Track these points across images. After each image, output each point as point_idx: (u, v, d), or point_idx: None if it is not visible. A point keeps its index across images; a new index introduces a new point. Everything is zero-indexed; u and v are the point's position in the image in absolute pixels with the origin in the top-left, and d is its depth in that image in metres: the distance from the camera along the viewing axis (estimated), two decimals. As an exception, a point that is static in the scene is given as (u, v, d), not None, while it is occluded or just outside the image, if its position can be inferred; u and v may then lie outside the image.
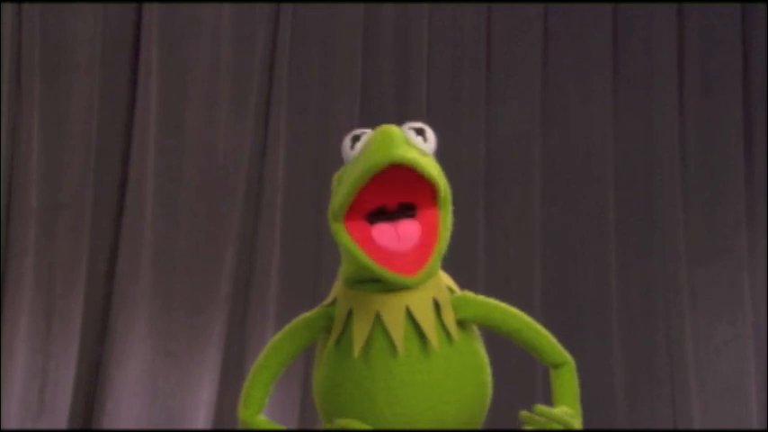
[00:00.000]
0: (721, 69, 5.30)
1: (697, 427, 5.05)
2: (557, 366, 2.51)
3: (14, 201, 4.54)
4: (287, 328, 2.56)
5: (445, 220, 2.33)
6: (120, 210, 4.68)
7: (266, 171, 4.84)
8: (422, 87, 5.02)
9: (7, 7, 4.53)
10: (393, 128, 2.35)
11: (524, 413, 2.36)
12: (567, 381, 2.50)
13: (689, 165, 5.26)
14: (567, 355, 2.52)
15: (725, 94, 5.29)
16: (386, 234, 2.30)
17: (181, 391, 4.63)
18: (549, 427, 2.35)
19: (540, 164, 5.12)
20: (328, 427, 2.40)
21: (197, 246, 4.73)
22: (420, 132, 2.38)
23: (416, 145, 2.35)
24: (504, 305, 2.53)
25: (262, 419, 2.55)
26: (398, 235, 2.30)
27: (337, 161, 5.29)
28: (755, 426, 5.06)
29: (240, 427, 2.54)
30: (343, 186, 2.33)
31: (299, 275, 4.81)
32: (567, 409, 2.43)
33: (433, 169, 2.29)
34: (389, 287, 2.35)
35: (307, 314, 2.56)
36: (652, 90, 5.26)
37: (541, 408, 2.36)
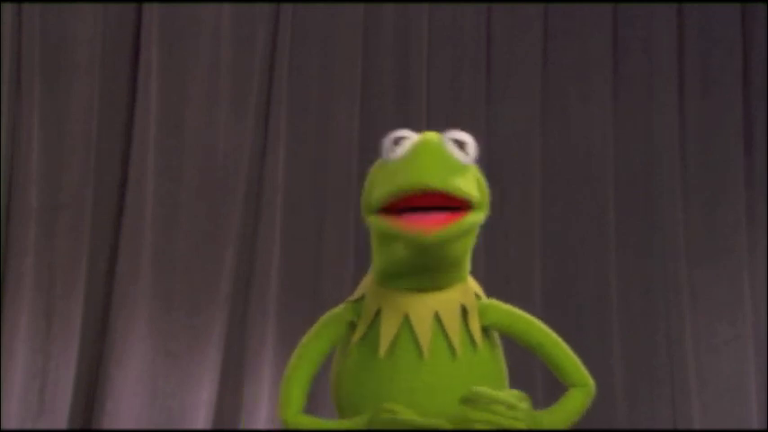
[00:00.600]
0: (721, 69, 5.30)
1: (697, 427, 5.05)
2: (575, 387, 2.52)
3: (14, 201, 4.54)
4: (316, 326, 2.57)
5: (476, 214, 2.35)
6: (120, 210, 4.68)
7: (266, 171, 4.84)
8: (422, 87, 5.02)
9: (7, 7, 4.53)
10: (432, 143, 2.36)
11: (465, 395, 2.35)
12: (575, 398, 2.51)
13: (689, 165, 5.26)
14: (588, 378, 2.54)
15: (725, 94, 5.29)
16: (413, 215, 2.29)
17: (181, 391, 4.63)
18: (492, 411, 2.33)
19: (540, 164, 5.12)
20: (383, 416, 2.38)
21: (197, 246, 4.73)
22: (461, 146, 2.40)
23: (457, 159, 2.36)
24: (530, 317, 2.55)
25: (305, 418, 2.53)
26: (424, 217, 2.29)
27: (337, 161, 5.30)
28: (755, 426, 5.06)
29: (284, 428, 2.54)
30: (379, 191, 2.33)
31: (299, 275, 4.81)
32: (516, 392, 2.42)
33: (464, 186, 2.30)
34: (423, 283, 2.37)
35: (334, 310, 2.57)
36: (652, 90, 5.26)
37: (482, 390, 2.36)
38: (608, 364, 4.99)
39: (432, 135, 2.40)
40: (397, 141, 2.39)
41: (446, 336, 2.41)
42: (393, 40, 5.04)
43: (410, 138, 2.39)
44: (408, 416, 2.35)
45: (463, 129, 5.39)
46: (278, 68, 4.88)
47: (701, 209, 5.24)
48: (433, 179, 2.26)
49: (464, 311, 2.45)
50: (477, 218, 2.37)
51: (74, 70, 4.64)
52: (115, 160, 4.72)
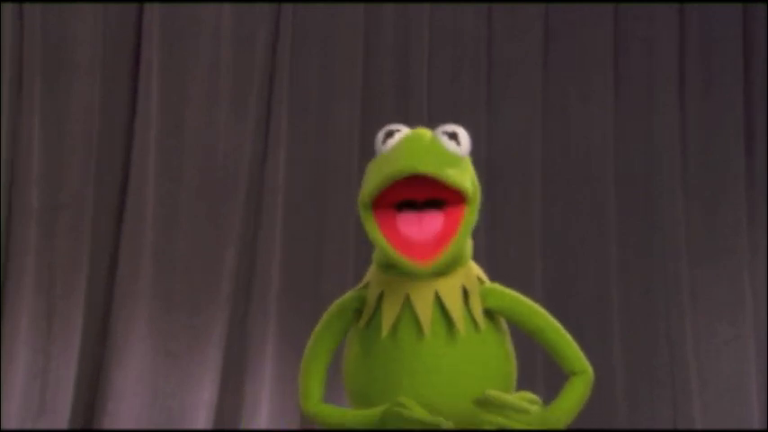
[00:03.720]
0: (722, 69, 5.30)
1: (698, 427, 5.05)
2: (574, 374, 2.54)
3: (15, 201, 4.54)
4: (325, 316, 2.62)
5: (470, 215, 2.42)
6: (121, 210, 4.68)
7: (267, 171, 4.84)
8: (422, 87, 5.02)
9: (8, 7, 4.53)
10: (423, 134, 2.43)
11: (478, 398, 2.38)
12: (576, 388, 2.52)
13: (689, 165, 5.27)
14: (586, 365, 2.55)
15: (725, 94, 5.29)
16: (409, 222, 2.37)
17: (181, 392, 4.63)
18: (503, 414, 2.36)
19: (541, 164, 5.12)
20: (395, 410, 2.40)
21: (197, 246, 4.73)
22: (453, 136, 2.43)
23: (448, 150, 2.40)
24: (531, 302, 2.59)
25: (326, 407, 2.57)
26: (421, 224, 2.37)
27: (337, 161, 5.30)
28: (756, 426, 5.06)
29: (307, 418, 2.58)
30: (370, 183, 2.39)
31: (300, 275, 4.81)
32: (528, 395, 2.44)
33: (457, 176, 2.36)
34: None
35: (339, 300, 2.61)
36: (652, 90, 5.26)
37: (494, 394, 2.38)
38: (608, 364, 4.99)
39: (423, 129, 2.46)
40: (390, 134, 2.44)
41: (447, 316, 2.44)
42: (393, 40, 5.04)
43: (402, 131, 2.44)
44: (418, 412, 2.36)
45: (464, 129, 5.38)
46: (278, 69, 4.88)
47: (702, 209, 5.24)
48: (424, 165, 2.31)
49: (465, 293, 2.48)
50: (470, 219, 2.43)
51: (74, 70, 4.64)
52: (116, 160, 4.72)
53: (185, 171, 4.76)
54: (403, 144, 2.39)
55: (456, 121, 5.38)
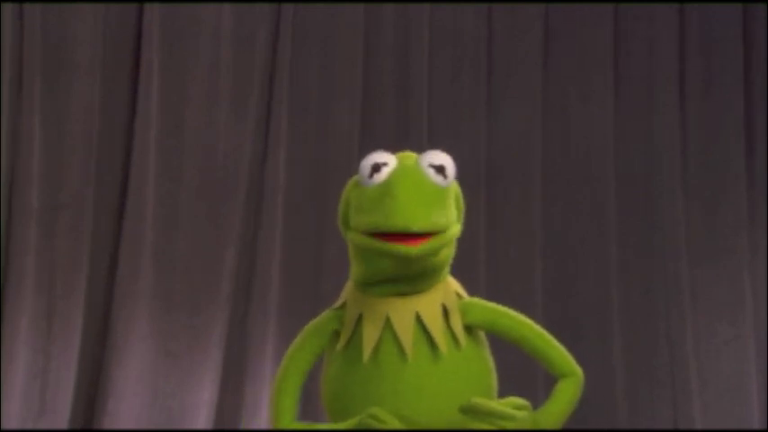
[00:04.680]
0: (722, 69, 5.30)
1: (698, 427, 5.05)
2: (563, 377, 2.51)
3: (15, 201, 4.54)
4: (300, 336, 2.60)
5: (456, 225, 2.42)
6: (121, 210, 4.68)
7: (267, 171, 4.84)
8: (422, 87, 5.02)
9: (8, 7, 4.53)
10: (412, 173, 2.36)
11: (464, 405, 2.37)
12: (566, 390, 2.49)
13: (689, 165, 5.26)
14: (575, 367, 2.52)
15: (725, 94, 5.28)
16: (395, 236, 2.33)
17: (181, 392, 4.63)
18: (490, 422, 2.36)
19: (541, 164, 5.12)
20: (358, 419, 2.40)
21: (197, 246, 4.73)
22: (440, 170, 2.38)
23: (435, 187, 2.36)
24: (512, 312, 2.55)
25: (299, 425, 2.54)
26: (407, 237, 2.32)
27: (337, 161, 5.28)
28: (756, 426, 5.06)
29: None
30: (361, 218, 2.37)
31: (300, 275, 4.81)
32: (516, 400, 2.44)
33: (443, 219, 2.35)
34: (401, 285, 2.40)
35: (316, 320, 2.59)
36: (653, 90, 5.26)
37: (480, 402, 2.38)
38: (609, 364, 4.99)
39: (409, 161, 2.40)
40: (376, 168, 2.38)
41: (428, 335, 2.42)
42: (393, 40, 5.04)
43: (388, 164, 2.38)
44: (391, 422, 2.35)
45: (463, 129, 5.40)
46: (278, 68, 4.88)
47: (702, 209, 5.24)
48: (416, 220, 2.29)
49: (445, 311, 2.45)
50: (456, 230, 2.42)
51: (74, 70, 4.64)
52: (116, 160, 4.72)
53: (185, 171, 4.76)
54: (392, 187, 2.33)
55: (456, 121, 5.40)
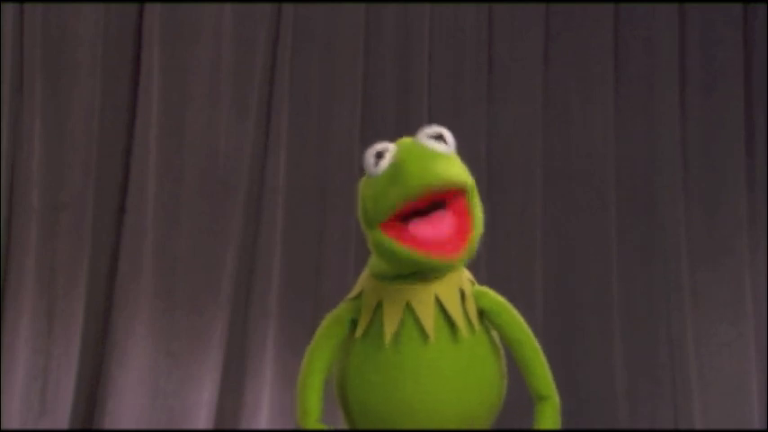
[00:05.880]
0: (722, 69, 5.30)
1: (698, 427, 5.05)
2: (540, 398, 2.55)
3: (16, 201, 4.54)
4: (319, 330, 2.61)
5: (476, 206, 2.45)
6: (122, 210, 4.68)
7: (267, 171, 4.84)
8: (423, 87, 5.02)
9: (8, 7, 4.53)
10: (413, 146, 2.44)
11: None
12: (548, 417, 2.54)
13: (690, 165, 5.27)
14: (553, 390, 2.57)
15: (726, 94, 5.29)
16: (421, 228, 2.39)
17: (182, 391, 4.63)
18: None
19: (542, 164, 5.12)
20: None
21: (198, 246, 4.73)
22: (439, 138, 2.47)
23: (440, 152, 2.43)
24: (517, 313, 2.60)
25: (322, 426, 2.57)
26: (434, 226, 2.39)
27: (338, 161, 5.29)
28: (757, 426, 5.06)
29: None
30: (381, 204, 2.40)
31: (301, 276, 4.81)
32: None
33: (461, 175, 2.41)
34: (426, 276, 2.44)
35: (334, 312, 2.62)
36: (653, 90, 5.26)
37: None
38: (609, 364, 5.00)
39: (407, 140, 2.48)
40: (380, 155, 2.45)
41: (447, 319, 2.47)
42: (394, 40, 5.04)
43: (389, 148, 2.46)
44: None
45: (464, 128, 5.41)
46: (279, 69, 4.88)
47: (703, 209, 5.24)
48: (432, 177, 2.35)
49: (462, 295, 2.51)
50: (478, 209, 2.46)
51: (75, 70, 4.64)
52: (116, 160, 4.72)
53: (186, 171, 4.76)
54: (400, 162, 2.39)
55: (457, 120, 5.41)
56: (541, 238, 5.08)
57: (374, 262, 2.54)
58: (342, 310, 2.59)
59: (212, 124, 4.80)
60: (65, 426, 4.49)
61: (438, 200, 2.39)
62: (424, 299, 2.45)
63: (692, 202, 5.23)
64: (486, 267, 4.93)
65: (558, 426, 2.54)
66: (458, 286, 2.51)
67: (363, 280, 2.58)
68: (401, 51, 5.03)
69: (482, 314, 2.56)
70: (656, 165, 5.22)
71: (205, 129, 4.79)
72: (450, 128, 5.32)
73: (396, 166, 2.39)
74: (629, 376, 5.06)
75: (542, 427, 2.53)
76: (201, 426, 4.62)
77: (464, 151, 5.05)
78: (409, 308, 2.45)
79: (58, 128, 4.61)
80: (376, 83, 5.00)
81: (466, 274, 2.58)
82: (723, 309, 5.19)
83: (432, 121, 4.97)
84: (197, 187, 4.76)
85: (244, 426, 4.68)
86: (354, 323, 2.55)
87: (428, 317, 2.44)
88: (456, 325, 2.46)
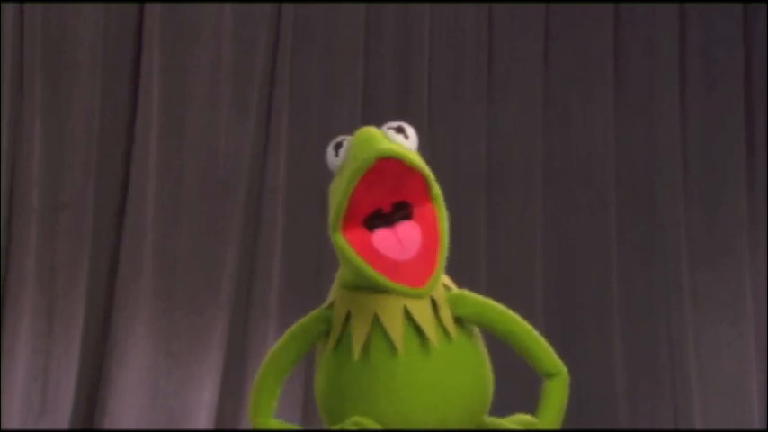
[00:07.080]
0: (723, 70, 5.30)
1: (698, 427, 5.05)
2: (549, 376, 2.51)
3: (16, 201, 4.54)
4: (285, 334, 2.59)
5: (442, 218, 2.35)
6: (122, 210, 4.69)
7: (267, 171, 4.84)
8: (423, 88, 5.02)
9: (8, 7, 4.53)
10: (372, 128, 2.38)
11: (476, 427, 2.39)
12: (556, 392, 2.49)
13: (690, 165, 5.27)
14: (560, 366, 2.52)
15: (726, 95, 5.29)
16: (387, 241, 2.32)
17: (182, 391, 4.63)
18: None
19: (542, 164, 5.12)
20: (339, 427, 2.40)
21: (198, 246, 4.73)
22: (400, 131, 2.40)
23: (399, 142, 2.37)
24: (501, 306, 2.53)
25: (275, 422, 2.57)
26: (400, 241, 2.31)
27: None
28: (757, 426, 5.06)
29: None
30: (336, 194, 2.36)
31: (301, 276, 4.81)
32: (524, 417, 2.46)
33: (419, 162, 2.32)
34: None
35: (303, 320, 2.58)
36: (653, 90, 5.26)
37: (490, 421, 2.40)
38: (609, 364, 5.00)
39: (368, 127, 2.41)
40: (339, 145, 2.42)
41: (418, 330, 2.39)
42: (394, 40, 5.04)
43: (347, 138, 2.41)
44: (372, 427, 2.35)
45: (464, 129, 5.40)
46: (279, 69, 4.89)
47: (703, 210, 5.24)
48: (383, 148, 2.27)
49: (434, 304, 2.42)
50: (444, 222, 2.35)
51: (75, 70, 4.64)
52: (117, 160, 4.73)
53: (186, 171, 4.76)
54: (356, 141, 2.35)
55: (457, 121, 5.40)
56: (541, 238, 5.07)
57: (342, 271, 2.50)
58: (311, 319, 2.55)
59: (212, 124, 4.80)
60: (65, 426, 4.49)
61: (402, 202, 2.32)
62: (391, 310, 2.38)
63: (692, 202, 5.23)
64: (485, 267, 4.93)
65: (565, 399, 2.49)
66: (428, 295, 2.40)
67: (334, 289, 2.54)
68: (401, 51, 5.03)
69: (460, 319, 2.47)
70: (656, 165, 5.22)
71: (205, 129, 4.79)
72: (450, 128, 5.34)
73: (350, 149, 2.35)
74: (629, 376, 5.06)
75: (551, 404, 2.47)
76: (201, 426, 4.62)
77: (464, 151, 5.06)
78: (377, 319, 2.39)
79: (58, 128, 4.62)
80: (376, 83, 5.00)
81: (440, 280, 2.48)
82: (723, 309, 5.19)
83: (432, 121, 5.00)
84: (197, 187, 4.76)
85: (244, 426, 4.68)
86: (327, 334, 2.50)
87: (395, 329, 2.37)
88: (426, 337, 2.39)
